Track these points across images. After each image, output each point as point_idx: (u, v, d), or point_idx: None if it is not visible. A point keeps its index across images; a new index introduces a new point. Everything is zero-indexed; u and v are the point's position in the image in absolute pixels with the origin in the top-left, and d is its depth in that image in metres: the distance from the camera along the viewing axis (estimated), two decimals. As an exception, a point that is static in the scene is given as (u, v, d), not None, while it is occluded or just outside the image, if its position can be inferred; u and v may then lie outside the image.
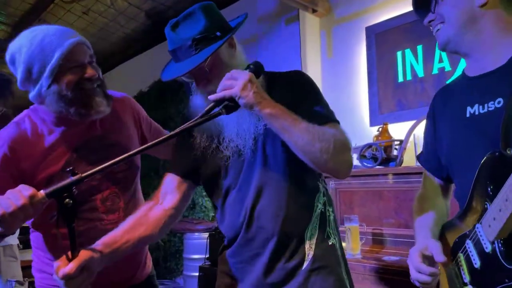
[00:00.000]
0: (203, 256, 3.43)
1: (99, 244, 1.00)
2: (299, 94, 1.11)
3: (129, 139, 1.36)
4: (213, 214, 3.88)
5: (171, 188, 1.19)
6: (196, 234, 3.58)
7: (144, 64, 5.26)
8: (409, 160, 2.35)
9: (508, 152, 0.89)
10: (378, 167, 2.27)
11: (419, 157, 1.28)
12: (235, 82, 0.96)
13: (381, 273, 1.91)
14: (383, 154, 2.25)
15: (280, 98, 1.02)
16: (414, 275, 1.00)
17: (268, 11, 3.23)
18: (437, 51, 2.39)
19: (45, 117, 1.23)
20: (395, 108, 2.56)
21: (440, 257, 0.95)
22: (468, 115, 1.02)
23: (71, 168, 0.85)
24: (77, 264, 0.88)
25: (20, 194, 0.85)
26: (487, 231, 0.89)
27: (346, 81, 2.88)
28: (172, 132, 0.97)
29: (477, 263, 0.93)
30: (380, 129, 2.44)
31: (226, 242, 1.22)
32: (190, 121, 0.97)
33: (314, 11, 3.01)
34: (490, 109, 0.97)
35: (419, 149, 2.25)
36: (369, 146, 2.33)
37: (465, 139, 1.02)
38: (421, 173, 2.04)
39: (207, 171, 1.18)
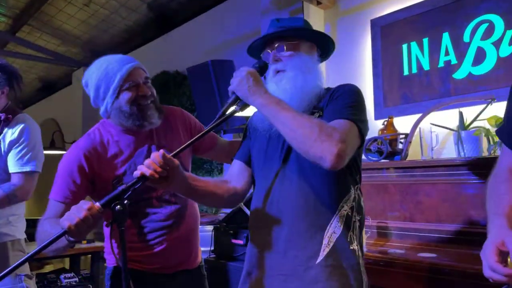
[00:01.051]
0: (207, 248, 3.45)
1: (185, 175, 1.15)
2: (335, 96, 1.18)
3: (180, 146, 1.43)
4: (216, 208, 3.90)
5: (236, 172, 1.33)
6: (200, 226, 3.59)
7: (146, 56, 5.23)
8: (414, 153, 2.35)
9: None
10: (383, 160, 2.27)
11: (499, 132, 1.19)
12: (235, 79, 1.11)
13: (386, 266, 1.92)
14: (389, 147, 2.25)
15: (326, 100, 1.16)
16: (487, 273, 0.92)
17: (272, 3, 3.20)
18: (443, 44, 2.38)
19: (111, 129, 1.50)
20: (400, 102, 2.55)
21: None
22: None
23: (118, 179, 1.03)
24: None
25: (81, 208, 1.01)
26: None
27: (351, 74, 2.87)
28: (208, 127, 1.13)
29: None
30: (385, 122, 2.43)
31: (250, 224, 1.28)
32: (214, 120, 1.12)
33: (318, 3, 2.99)
34: None
35: (424, 143, 2.26)
36: (374, 139, 2.32)
37: None
38: (425, 167, 2.07)
39: (254, 153, 1.29)
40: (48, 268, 3.53)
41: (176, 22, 4.69)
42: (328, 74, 3.00)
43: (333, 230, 1.14)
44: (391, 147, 2.28)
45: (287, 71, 1.21)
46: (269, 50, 1.28)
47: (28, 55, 5.71)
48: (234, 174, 1.34)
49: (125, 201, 1.00)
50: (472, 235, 1.89)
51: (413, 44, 2.52)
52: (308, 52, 1.28)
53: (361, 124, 1.12)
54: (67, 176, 1.41)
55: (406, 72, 2.54)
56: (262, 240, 1.21)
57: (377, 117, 2.64)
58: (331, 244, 1.12)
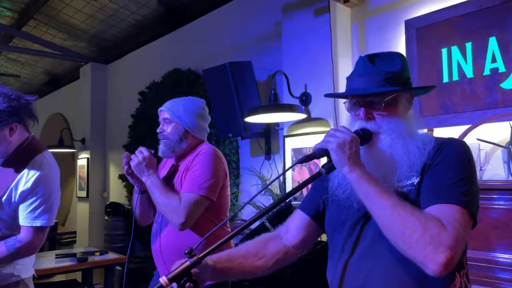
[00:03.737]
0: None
1: (214, 256, 1.03)
2: (437, 159, 0.98)
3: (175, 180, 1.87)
4: (232, 214, 3.73)
5: (296, 226, 1.20)
6: (216, 235, 3.44)
7: (156, 52, 5.03)
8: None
9: None
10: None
11: None
12: (335, 139, 0.96)
13: None
14: (430, 165, 2.05)
15: (425, 159, 0.99)
16: None
17: (294, 0, 2.98)
18: (490, 50, 2.16)
19: None
20: (439, 111, 2.34)
21: None
22: None
23: (189, 250, 0.88)
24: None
25: None
26: None
27: (381, 78, 2.66)
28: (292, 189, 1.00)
29: None
30: (424, 135, 2.22)
31: None
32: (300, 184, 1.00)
33: (345, 1, 2.76)
34: None
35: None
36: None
37: None
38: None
39: (332, 219, 1.14)
40: (58, 277, 3.41)
41: (188, 17, 4.47)
42: (356, 78, 2.79)
43: None
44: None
45: (382, 136, 1.03)
46: (356, 103, 1.08)
47: (34, 50, 5.53)
48: (292, 227, 1.20)
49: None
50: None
51: (454, 49, 2.30)
52: (406, 105, 1.08)
53: (473, 206, 0.92)
54: None
55: (446, 79, 2.32)
56: None
57: (412, 127, 2.44)
58: None
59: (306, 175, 2.79)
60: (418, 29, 2.45)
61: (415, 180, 0.98)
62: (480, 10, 2.19)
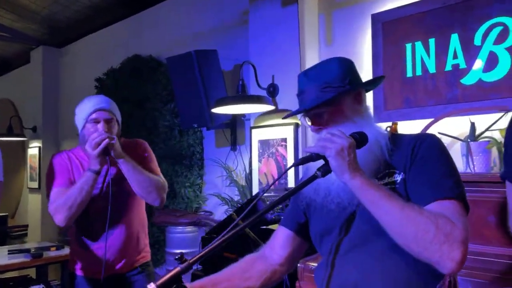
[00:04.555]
0: (187, 250, 3.26)
1: (197, 284, 1.03)
2: (418, 155, 0.99)
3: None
4: (197, 206, 3.68)
5: (280, 243, 1.18)
6: (180, 228, 3.37)
7: (115, 37, 4.80)
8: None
9: None
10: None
11: (506, 174, 1.11)
12: (333, 145, 0.93)
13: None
14: (395, 158, 2.11)
15: (397, 159, 1.00)
16: None
17: (262, -11, 2.93)
18: (452, 46, 2.24)
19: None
20: (402, 105, 2.40)
21: None
22: None
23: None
24: None
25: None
26: None
27: (347, 71, 2.69)
28: (278, 198, 0.95)
29: None
30: (388, 129, 2.28)
31: None
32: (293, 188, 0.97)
33: (313, -8, 2.76)
34: None
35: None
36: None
37: None
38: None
39: (315, 226, 1.14)
40: (10, 274, 3.21)
41: (150, 1, 4.29)
42: (322, 71, 2.81)
43: None
44: (396, 156, 2.14)
45: None
46: (308, 119, 1.12)
47: (-22, 31, 5.12)
48: (277, 245, 1.19)
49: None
50: (486, 255, 1.81)
51: (418, 44, 2.36)
52: (352, 105, 1.09)
53: (463, 194, 0.94)
54: (61, 167, 1.85)
55: (409, 74, 2.39)
56: None
57: (376, 120, 2.48)
58: None
59: (273, 167, 2.79)
60: (384, 24, 2.49)
61: (398, 178, 0.99)
62: (444, 7, 2.26)
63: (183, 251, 3.26)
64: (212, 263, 2.44)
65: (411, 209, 0.87)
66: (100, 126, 1.77)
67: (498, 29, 2.09)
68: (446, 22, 2.26)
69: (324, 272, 1.06)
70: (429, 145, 1.00)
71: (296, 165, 0.99)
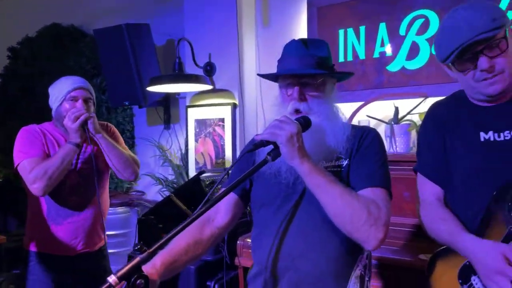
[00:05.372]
0: (118, 232, 3.17)
1: (158, 262, 1.04)
2: (362, 146, 1.12)
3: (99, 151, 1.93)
4: (128, 185, 3.57)
5: (225, 207, 1.23)
6: (110, 209, 3.25)
7: (29, 3, 4.32)
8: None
9: None
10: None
11: (422, 168, 1.30)
12: (283, 132, 0.99)
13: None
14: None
15: (346, 146, 1.10)
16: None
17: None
18: (380, 34, 2.40)
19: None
20: (335, 89, 2.54)
21: None
22: (482, 139, 1.14)
23: (140, 246, 0.84)
24: None
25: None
26: None
27: (283, 53, 2.75)
28: (234, 182, 1.00)
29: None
30: (322, 110, 2.41)
31: (254, 269, 1.18)
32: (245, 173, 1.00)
33: (251, -29, 2.75)
34: (507, 138, 1.12)
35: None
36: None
37: (484, 163, 1.13)
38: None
39: (259, 194, 1.21)
40: None
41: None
42: (259, 55, 2.84)
43: None
44: (329, 137, 2.28)
45: (312, 117, 1.10)
46: (290, 83, 1.14)
47: None
48: (223, 208, 1.23)
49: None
50: (405, 226, 2.03)
51: (350, 31, 2.49)
52: (332, 89, 1.19)
53: (390, 184, 1.11)
54: (35, 139, 1.83)
55: (341, 59, 2.52)
56: None
57: (310, 102, 2.61)
58: None
59: (210, 146, 2.80)
60: (319, 8, 2.57)
61: (344, 162, 1.11)
62: (374, -3, 2.40)
63: (116, 232, 3.17)
64: (149, 244, 2.41)
65: (349, 195, 1.00)
66: (79, 103, 1.82)
67: (420, 21, 2.28)
68: (375, 11, 2.40)
69: (270, 241, 1.13)
70: (373, 139, 1.14)
71: (249, 151, 1.03)
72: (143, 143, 3.43)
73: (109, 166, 1.92)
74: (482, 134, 1.14)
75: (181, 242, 1.12)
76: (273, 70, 2.91)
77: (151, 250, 0.83)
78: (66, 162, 1.75)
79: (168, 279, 1.07)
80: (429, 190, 1.26)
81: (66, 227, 1.87)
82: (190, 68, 2.84)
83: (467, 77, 1.11)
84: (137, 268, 0.82)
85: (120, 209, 3.26)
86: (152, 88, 2.68)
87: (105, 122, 2.11)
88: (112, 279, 0.78)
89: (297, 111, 1.12)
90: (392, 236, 2.05)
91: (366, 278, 1.14)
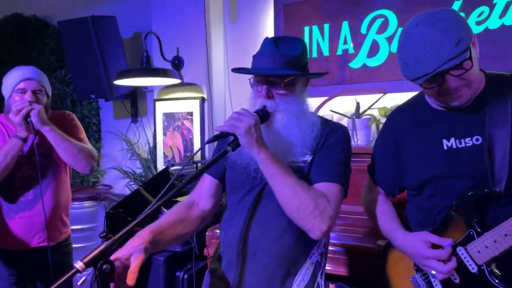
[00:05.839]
0: (85, 226, 3.15)
1: (146, 231, 1.07)
2: (327, 142, 1.17)
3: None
4: (94, 179, 3.53)
5: (208, 191, 1.29)
6: (76, 203, 3.22)
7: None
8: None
9: (498, 190, 1.06)
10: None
11: (373, 174, 1.37)
12: (241, 124, 1.05)
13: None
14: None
15: (318, 141, 1.16)
16: (439, 267, 1.09)
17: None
18: (342, 32, 2.50)
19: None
20: (300, 84, 2.63)
21: (447, 241, 1.10)
22: (445, 147, 1.15)
23: (105, 233, 0.87)
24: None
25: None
26: (476, 256, 1.08)
27: (251, 47, 2.79)
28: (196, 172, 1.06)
29: (457, 278, 1.12)
30: (288, 105, 2.49)
31: (222, 248, 1.25)
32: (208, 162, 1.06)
33: (218, -33, 2.78)
34: (468, 144, 1.13)
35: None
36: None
37: (447, 170, 1.15)
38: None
39: (231, 180, 1.26)
40: None
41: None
42: (227, 50, 2.88)
43: (302, 277, 1.16)
44: (295, 131, 2.37)
45: (279, 115, 1.15)
46: (260, 81, 1.17)
47: None
48: (205, 193, 1.28)
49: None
50: (364, 214, 2.15)
51: (315, 28, 2.58)
52: (302, 87, 1.21)
53: (347, 184, 1.17)
54: None
55: (307, 55, 2.61)
56: (232, 274, 1.19)
57: (277, 97, 2.69)
58: None
59: (179, 140, 2.83)
60: (285, 6, 2.65)
61: (308, 158, 1.16)
62: (338, -4, 2.50)
63: (83, 226, 3.15)
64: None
65: (300, 187, 1.05)
66: (27, 95, 1.77)
67: (380, 21, 2.40)
68: (339, 9, 2.50)
69: (234, 226, 1.20)
70: (339, 137, 1.19)
71: (209, 142, 1.08)
72: (110, 137, 3.40)
73: None
74: (445, 142, 1.16)
75: (168, 218, 1.17)
76: (241, 64, 2.99)
77: (116, 237, 0.87)
78: (10, 156, 1.72)
79: (139, 269, 1.10)
80: (376, 191, 1.36)
81: (19, 222, 1.84)
82: (158, 62, 2.85)
83: (433, 91, 1.11)
84: (103, 254, 0.85)
85: (86, 203, 3.23)
86: (119, 82, 2.67)
87: (65, 111, 2.07)
88: (79, 265, 0.82)
89: (264, 107, 1.16)
90: (353, 224, 2.18)
91: (322, 265, 1.22)
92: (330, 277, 2.10)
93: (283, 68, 1.14)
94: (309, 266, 1.17)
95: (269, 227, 1.15)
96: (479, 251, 1.08)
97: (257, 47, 3.05)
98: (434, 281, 1.16)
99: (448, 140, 1.15)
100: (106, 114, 3.50)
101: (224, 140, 1.16)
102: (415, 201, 1.29)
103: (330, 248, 2.05)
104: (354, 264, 1.99)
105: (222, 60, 2.86)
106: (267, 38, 1.21)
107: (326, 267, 2.07)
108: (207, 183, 1.29)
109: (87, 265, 0.83)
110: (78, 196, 3.31)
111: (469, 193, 1.11)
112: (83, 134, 2.03)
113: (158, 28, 2.88)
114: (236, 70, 1.26)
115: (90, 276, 1.81)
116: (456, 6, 2.20)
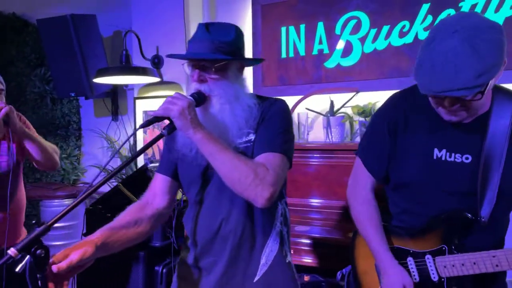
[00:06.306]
0: (65, 224, 3.16)
1: (96, 234, 1.10)
2: (266, 117, 1.19)
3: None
4: (75, 177, 3.54)
5: (161, 190, 1.29)
6: (56, 201, 3.23)
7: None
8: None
9: (482, 219, 1.11)
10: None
11: (364, 159, 1.34)
12: (175, 107, 1.05)
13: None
14: (270, 129, 2.40)
15: (258, 118, 1.18)
16: None
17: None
18: (318, 33, 2.58)
19: None
20: (278, 83, 2.70)
21: None
22: (435, 157, 1.17)
23: (37, 220, 0.91)
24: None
25: None
26: (441, 269, 1.16)
27: (229, 48, 2.87)
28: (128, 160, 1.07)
29: (417, 278, 1.22)
30: (265, 103, 2.56)
31: (189, 242, 1.27)
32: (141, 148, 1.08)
33: (198, -33, 2.83)
34: (457, 160, 1.15)
35: (301, 127, 2.49)
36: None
37: (431, 180, 1.17)
38: (302, 149, 2.31)
39: (185, 175, 1.27)
40: None
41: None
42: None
43: (270, 248, 1.21)
44: (271, 128, 2.43)
45: (214, 99, 1.17)
46: (193, 65, 1.19)
47: None
48: (159, 191, 1.29)
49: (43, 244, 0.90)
50: (338, 208, 2.24)
51: (291, 29, 2.65)
52: (237, 72, 1.23)
53: (290, 152, 1.19)
54: None
55: (284, 55, 2.68)
56: (200, 262, 1.23)
57: (255, 95, 2.75)
58: (269, 263, 1.20)
59: (158, 138, 2.87)
60: (263, 6, 2.71)
61: (252, 137, 1.19)
62: (313, -3, 2.57)
63: (63, 224, 3.16)
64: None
65: (238, 160, 1.08)
66: None
67: (353, 22, 2.49)
68: (314, 10, 2.58)
69: (191, 220, 1.25)
70: (276, 109, 1.20)
71: (142, 126, 1.08)
72: (90, 135, 3.42)
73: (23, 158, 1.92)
74: (435, 151, 1.16)
75: (120, 220, 1.19)
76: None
77: (49, 223, 0.91)
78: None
79: (119, 264, 1.12)
80: (364, 180, 1.33)
81: None
82: (137, 60, 2.88)
83: (432, 101, 1.11)
84: (36, 240, 0.88)
85: (67, 201, 3.24)
86: (98, 80, 2.70)
87: (17, 112, 2.06)
88: (12, 251, 0.85)
89: (199, 91, 1.17)
90: (325, 218, 2.26)
91: (285, 234, 1.27)
92: (305, 269, 2.18)
93: (214, 53, 1.15)
94: (275, 236, 1.22)
95: (228, 208, 1.19)
96: (445, 266, 1.14)
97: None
98: None
99: (440, 150, 1.16)
100: (87, 112, 3.52)
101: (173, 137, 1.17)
102: (392, 195, 1.32)
103: (306, 241, 2.14)
104: (329, 257, 2.06)
105: (201, 59, 2.91)
106: (200, 24, 1.21)
107: (305, 260, 2.14)
108: (158, 181, 1.30)
109: (20, 251, 0.86)
110: (58, 194, 3.32)
111: (457, 212, 1.14)
112: (36, 134, 2.01)
113: (138, 26, 2.92)
114: (171, 55, 1.27)
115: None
116: (424, 9, 2.31)
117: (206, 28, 1.18)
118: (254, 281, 1.20)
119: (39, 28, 3.02)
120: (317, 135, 2.58)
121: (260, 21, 2.72)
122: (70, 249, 1.02)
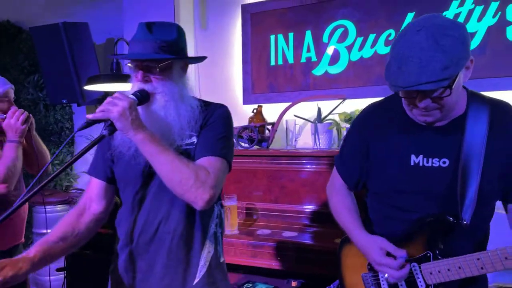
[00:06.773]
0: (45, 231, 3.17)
1: (32, 251, 1.10)
2: (208, 121, 1.21)
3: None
4: (67, 184, 3.56)
5: (97, 194, 1.27)
6: (49, 207, 3.24)
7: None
8: (278, 140, 2.60)
9: (464, 222, 1.10)
10: (254, 147, 2.46)
11: (338, 167, 1.38)
12: (115, 108, 1.04)
13: (256, 246, 2.15)
14: (259, 136, 2.43)
15: (201, 122, 1.20)
16: (391, 272, 1.15)
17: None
18: (306, 41, 2.62)
19: None
20: (267, 90, 2.74)
21: (401, 252, 1.15)
22: (412, 163, 1.17)
23: None
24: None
25: None
26: (427, 276, 1.15)
27: (220, 55, 2.90)
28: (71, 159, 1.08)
29: (403, 286, 1.19)
30: (255, 110, 2.59)
31: (121, 243, 1.26)
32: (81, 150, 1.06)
33: (189, -25, 2.87)
34: (434, 165, 1.14)
35: (289, 134, 2.52)
36: (245, 128, 2.47)
37: (409, 186, 1.18)
38: (290, 156, 2.34)
39: (122, 175, 1.25)
40: None
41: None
42: (197, 52, 2.97)
43: (208, 250, 1.24)
44: (260, 134, 2.47)
45: (158, 96, 1.17)
46: (136, 66, 1.18)
47: None
48: (94, 196, 1.27)
49: None
50: (326, 215, 2.26)
51: (280, 37, 2.69)
52: (180, 71, 1.23)
53: (230, 157, 1.21)
54: None
55: (273, 63, 2.72)
56: (136, 266, 1.23)
57: (245, 102, 2.79)
58: (207, 264, 1.23)
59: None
60: (252, 15, 2.75)
61: (195, 140, 1.20)
62: (301, 6, 2.61)
63: (49, 230, 3.17)
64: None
65: (179, 161, 1.08)
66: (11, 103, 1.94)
67: (340, 30, 2.53)
68: (302, 19, 2.62)
69: (132, 217, 1.23)
70: (219, 115, 1.23)
71: (80, 129, 1.06)
72: (83, 141, 3.43)
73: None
74: (412, 157, 1.16)
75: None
76: (212, 70, 3.09)
77: (15, 206, 0.94)
78: (20, 161, 1.84)
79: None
80: (339, 183, 1.37)
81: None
82: (127, 68, 2.90)
83: (404, 103, 1.12)
84: None
85: (59, 207, 3.26)
86: (89, 87, 2.72)
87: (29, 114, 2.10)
88: None
89: (143, 89, 1.15)
90: (313, 224, 2.29)
91: (219, 235, 1.30)
92: (292, 275, 2.20)
93: (157, 52, 1.14)
94: (211, 238, 1.25)
95: (165, 210, 1.19)
96: (431, 273, 1.13)
97: (226, 54, 3.17)
98: (383, 284, 1.22)
99: (417, 156, 1.16)
100: (79, 118, 3.54)
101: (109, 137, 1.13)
102: (372, 202, 1.33)
103: (293, 247, 2.16)
104: (317, 262, 2.08)
105: (192, 66, 2.95)
106: (141, 23, 1.20)
107: (292, 266, 2.14)
108: (94, 186, 1.28)
109: None
110: (51, 200, 3.33)
111: (439, 216, 1.14)
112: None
113: (129, 34, 2.94)
114: (114, 55, 1.29)
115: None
116: (409, 17, 2.35)
117: (147, 27, 1.17)
118: (194, 283, 1.21)
119: (32, 35, 3.05)
120: (305, 141, 2.61)
121: (250, 29, 2.76)
122: (6, 262, 1.03)
